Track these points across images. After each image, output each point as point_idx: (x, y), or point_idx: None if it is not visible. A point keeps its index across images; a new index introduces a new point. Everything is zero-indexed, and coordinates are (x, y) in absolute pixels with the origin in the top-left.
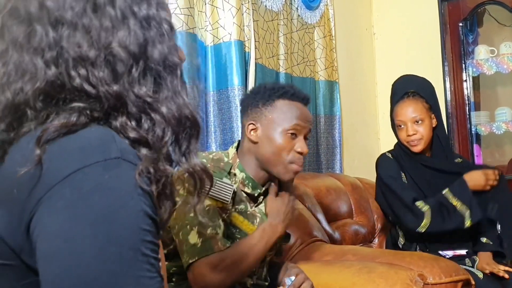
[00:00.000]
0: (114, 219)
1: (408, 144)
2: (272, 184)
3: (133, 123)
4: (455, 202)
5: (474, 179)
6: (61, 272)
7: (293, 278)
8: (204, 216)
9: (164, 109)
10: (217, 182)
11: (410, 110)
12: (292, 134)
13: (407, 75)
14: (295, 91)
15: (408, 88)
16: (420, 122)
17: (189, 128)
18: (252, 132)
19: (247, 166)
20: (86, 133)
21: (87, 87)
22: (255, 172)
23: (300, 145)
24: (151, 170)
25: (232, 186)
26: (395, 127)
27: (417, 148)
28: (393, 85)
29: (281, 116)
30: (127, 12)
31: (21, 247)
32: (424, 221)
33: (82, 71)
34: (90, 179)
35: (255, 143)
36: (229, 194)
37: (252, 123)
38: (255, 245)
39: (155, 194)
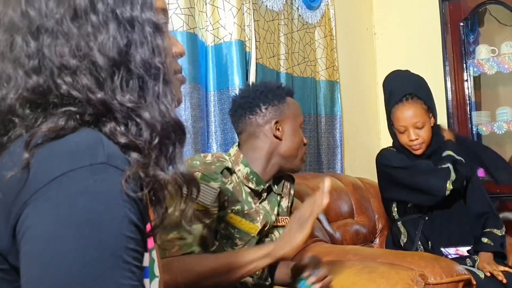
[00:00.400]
0: (97, 223)
1: (410, 148)
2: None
3: (122, 128)
4: (459, 157)
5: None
6: (41, 272)
7: (319, 271)
8: (189, 224)
9: (147, 115)
10: (201, 185)
11: (411, 114)
12: (301, 127)
13: (399, 72)
14: (290, 87)
15: (406, 89)
16: (421, 127)
17: (172, 134)
18: (276, 130)
19: (253, 162)
20: (74, 137)
21: (74, 93)
22: (262, 169)
23: (304, 136)
24: (141, 174)
25: (217, 190)
26: (393, 128)
27: (419, 152)
28: (387, 83)
29: (295, 112)
30: (109, 17)
31: (8, 251)
32: (451, 176)
33: (67, 79)
34: (76, 183)
35: (279, 140)
36: (211, 198)
37: (276, 121)
38: (220, 258)
39: (147, 200)
